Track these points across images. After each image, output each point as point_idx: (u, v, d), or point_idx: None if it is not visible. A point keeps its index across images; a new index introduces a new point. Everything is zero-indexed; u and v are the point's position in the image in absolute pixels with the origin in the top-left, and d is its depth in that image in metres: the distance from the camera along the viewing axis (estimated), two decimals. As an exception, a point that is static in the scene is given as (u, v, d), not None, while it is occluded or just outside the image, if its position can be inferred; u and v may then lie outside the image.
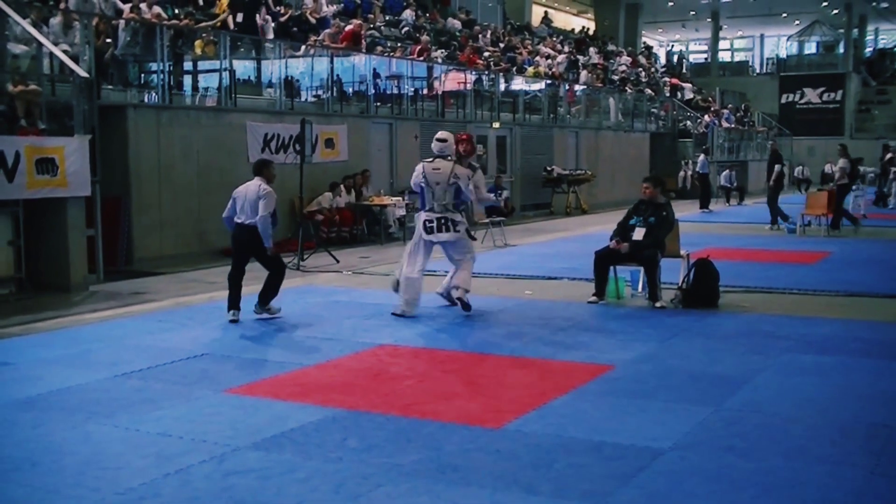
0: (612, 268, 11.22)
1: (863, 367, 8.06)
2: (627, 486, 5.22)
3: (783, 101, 50.50)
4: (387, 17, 26.61)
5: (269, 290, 10.34)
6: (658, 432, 6.13)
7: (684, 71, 52.88)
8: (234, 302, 10.17)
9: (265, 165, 10.49)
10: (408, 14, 27.43)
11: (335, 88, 20.07)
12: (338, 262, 14.94)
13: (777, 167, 21.77)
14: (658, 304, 10.76)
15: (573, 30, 44.16)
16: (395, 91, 21.89)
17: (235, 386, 7.43)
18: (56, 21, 13.93)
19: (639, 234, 10.96)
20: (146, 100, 16.01)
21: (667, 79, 42.88)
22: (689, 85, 44.17)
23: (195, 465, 5.55)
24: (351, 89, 20.75)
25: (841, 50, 52.19)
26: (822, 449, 5.84)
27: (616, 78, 36.02)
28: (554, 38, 38.01)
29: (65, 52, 13.20)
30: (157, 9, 16.30)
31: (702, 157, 28.68)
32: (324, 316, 10.53)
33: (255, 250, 10.20)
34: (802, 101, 50.26)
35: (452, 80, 24.22)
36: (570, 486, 5.23)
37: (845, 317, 10.37)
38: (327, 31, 20.87)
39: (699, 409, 6.64)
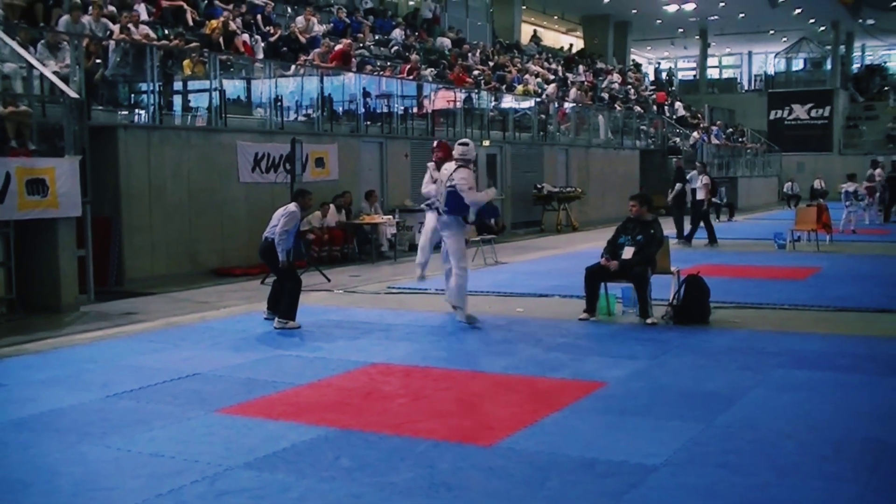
0: (602, 284, 11.24)
1: (855, 382, 8.07)
2: (620, 502, 5.23)
3: (772, 117, 50.78)
4: (376, 37, 26.69)
5: (283, 300, 10.82)
6: (650, 449, 6.14)
7: (672, 88, 53.13)
8: (270, 304, 11.20)
9: (301, 194, 11.54)
10: (397, 33, 27.52)
11: (325, 108, 20.12)
12: (329, 280, 14.95)
13: (678, 185, 21.88)
14: (649, 321, 10.78)
15: (562, 48, 44.34)
16: (385, 110, 21.95)
17: (228, 406, 7.42)
18: (43, 43, 13.96)
19: (628, 252, 10.99)
20: (136, 120, 16.04)
21: (654, 96, 43.05)
22: (680, 103, 44.39)
23: (188, 486, 5.54)
24: (341, 108, 20.79)
25: (828, 66, 52.54)
26: (816, 464, 5.85)
27: (605, 95, 36.17)
28: (543, 56, 38.16)
29: (54, 73, 13.22)
30: (145, 29, 16.36)
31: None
32: (315, 335, 10.53)
33: (272, 262, 10.97)
34: (791, 118, 50.53)
35: (442, 99, 24.29)
36: (563, 503, 5.24)
37: (836, 332, 10.39)
38: (317, 50, 20.94)
39: (691, 426, 6.65)
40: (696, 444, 6.24)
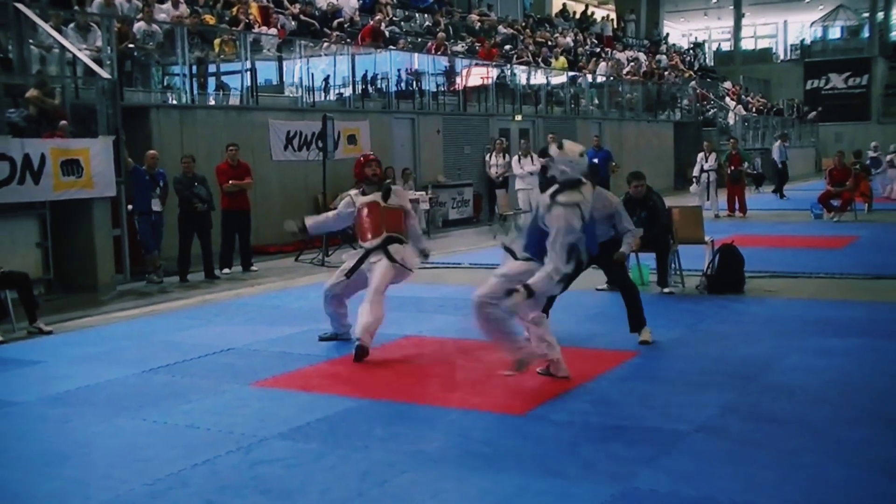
0: (634, 255, 11.15)
1: (890, 348, 8.00)
2: (652, 467, 5.22)
3: (808, 87, 50.13)
4: (405, 13, 26.59)
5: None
6: (683, 415, 6.13)
7: (709, 62, 52.55)
8: None
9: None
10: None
11: (358, 85, 20.12)
12: (363, 257, 14.96)
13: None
14: (667, 290, 10.73)
15: (594, 21, 43.93)
16: (417, 86, 21.91)
17: (262, 379, 7.49)
18: (73, 26, 14.05)
19: (637, 233, 10.76)
20: (169, 100, 16.13)
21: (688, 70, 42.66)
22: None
23: (223, 456, 5.60)
24: (371, 87, 20.74)
25: (866, 34, 51.71)
26: (849, 430, 5.80)
27: (638, 68, 35.86)
28: (574, 31, 37.89)
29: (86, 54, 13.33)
30: (183, 8, 16.44)
31: (778, 143, 28.20)
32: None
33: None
34: (828, 87, 49.86)
35: (475, 75, 24.19)
36: (596, 469, 5.24)
37: (872, 299, 10.30)
38: (341, 22, 20.93)
39: (724, 393, 6.62)
40: (728, 411, 6.21)
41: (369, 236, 8.58)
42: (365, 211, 8.68)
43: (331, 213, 9.31)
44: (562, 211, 6.67)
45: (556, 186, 6.81)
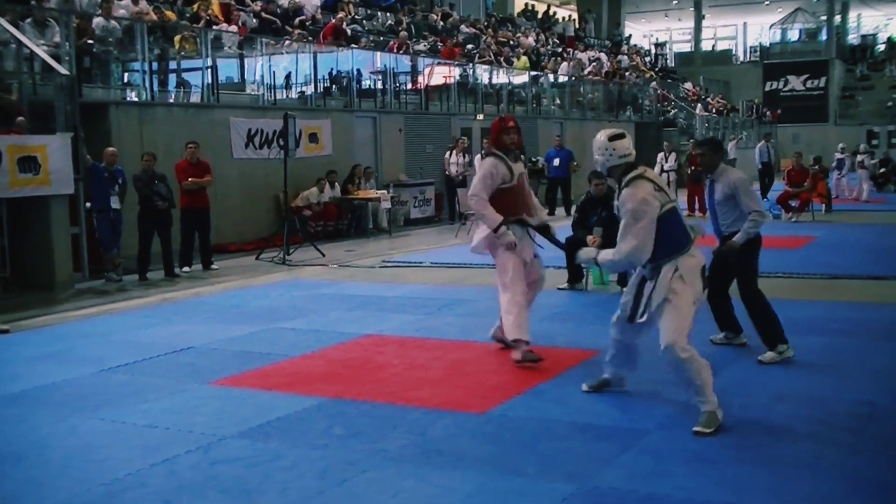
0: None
1: (845, 346, 8.10)
2: (611, 466, 5.25)
3: (767, 88, 50.57)
4: (367, 11, 26.53)
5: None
6: (642, 414, 6.18)
7: (670, 63, 52.91)
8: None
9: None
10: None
11: (320, 83, 20.06)
12: (324, 255, 14.95)
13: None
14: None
15: (556, 21, 44.06)
16: (379, 85, 21.88)
17: (221, 378, 7.45)
18: (30, 21, 13.88)
19: (598, 232, 10.76)
20: (129, 97, 15.98)
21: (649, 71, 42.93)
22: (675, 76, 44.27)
23: (181, 455, 5.57)
24: (334, 86, 20.68)
25: (824, 37, 52.27)
26: (806, 426, 5.88)
27: (599, 68, 36.02)
28: (536, 31, 38.00)
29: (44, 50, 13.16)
30: (143, 4, 16.28)
31: (762, 143, 27.78)
32: (309, 308, 10.54)
33: None
34: (786, 89, 50.30)
35: (437, 75, 24.19)
36: (555, 467, 5.26)
37: (828, 299, 10.42)
38: (303, 20, 20.85)
39: (682, 391, 6.62)
40: (686, 408, 6.23)
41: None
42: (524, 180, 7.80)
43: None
44: (633, 205, 5.96)
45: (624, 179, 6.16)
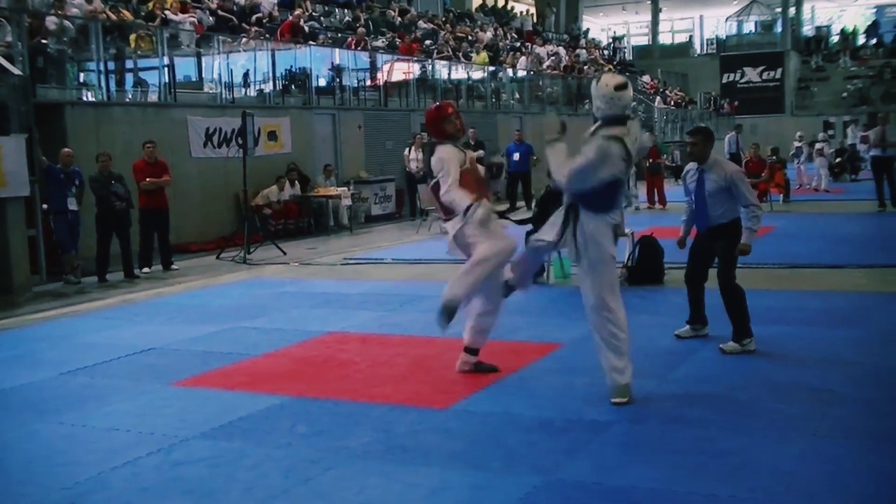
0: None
1: (804, 335, 8.19)
2: (576, 458, 5.28)
3: (724, 80, 51.00)
4: (325, 8, 26.42)
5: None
6: (605, 406, 6.20)
7: (628, 56, 53.20)
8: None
9: None
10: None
11: (278, 81, 19.96)
12: (285, 254, 14.88)
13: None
14: None
15: (514, 16, 44.13)
16: (337, 82, 21.81)
17: (183, 378, 7.40)
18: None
19: None
20: (84, 97, 15.81)
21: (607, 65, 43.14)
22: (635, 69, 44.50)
23: (144, 457, 5.52)
24: (293, 85, 20.58)
25: (779, 29, 52.78)
26: (766, 415, 5.93)
27: (558, 62, 36.13)
28: (495, 26, 38.03)
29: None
30: (98, 3, 16.10)
31: (732, 133, 27.24)
32: (271, 307, 10.50)
33: None
34: (743, 81, 50.76)
35: (397, 71, 24.16)
36: (520, 460, 5.28)
37: (788, 288, 10.53)
38: (260, 17, 20.73)
39: (646, 382, 6.69)
40: (649, 400, 6.30)
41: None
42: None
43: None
44: (600, 142, 6.02)
45: (598, 123, 6.24)
